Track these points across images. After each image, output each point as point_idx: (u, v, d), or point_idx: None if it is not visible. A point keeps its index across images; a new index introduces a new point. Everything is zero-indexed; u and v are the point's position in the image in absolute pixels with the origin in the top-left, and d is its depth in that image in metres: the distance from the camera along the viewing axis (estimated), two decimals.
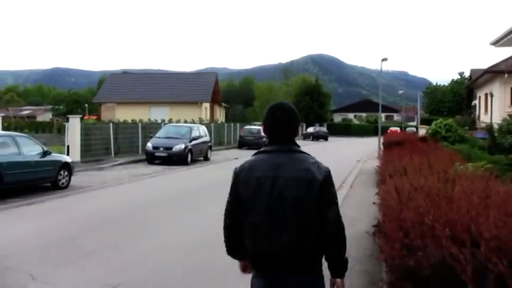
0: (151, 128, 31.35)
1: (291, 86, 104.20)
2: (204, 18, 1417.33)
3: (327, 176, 3.01)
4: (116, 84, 60.05)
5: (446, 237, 2.56)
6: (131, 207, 12.65)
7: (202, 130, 29.77)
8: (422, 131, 36.26)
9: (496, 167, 7.27)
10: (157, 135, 27.25)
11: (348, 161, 26.95)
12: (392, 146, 10.18)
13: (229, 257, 3.38)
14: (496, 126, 18.48)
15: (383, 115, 38.59)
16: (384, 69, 38.28)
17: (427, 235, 2.69)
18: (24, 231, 9.81)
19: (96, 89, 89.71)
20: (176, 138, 26.23)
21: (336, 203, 3.05)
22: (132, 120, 34.17)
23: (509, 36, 19.59)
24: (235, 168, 3.20)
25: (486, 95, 34.60)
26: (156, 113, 47.79)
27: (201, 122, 42.35)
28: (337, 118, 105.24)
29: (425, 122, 57.12)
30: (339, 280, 3.05)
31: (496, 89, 30.64)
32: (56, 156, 16.18)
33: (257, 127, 45.95)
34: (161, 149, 25.34)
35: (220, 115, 68.61)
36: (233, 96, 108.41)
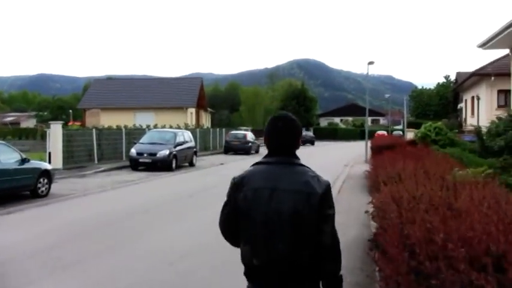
0: (135, 134, 30.88)
1: (277, 91, 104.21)
2: (189, 23, 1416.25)
3: (327, 190, 2.95)
4: (101, 90, 59.44)
5: (463, 260, 2.20)
6: (113, 216, 12.19)
7: (187, 135, 29.37)
8: (410, 135, 36.13)
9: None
10: (141, 141, 26.81)
11: (334, 166, 26.61)
12: (382, 150, 9.84)
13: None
14: (484, 129, 18.24)
15: (369, 119, 38.40)
16: (369, 73, 38.10)
17: (439, 256, 2.33)
18: (0, 241, 9.38)
19: (81, 95, 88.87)
20: (160, 143, 25.80)
21: (333, 218, 2.97)
22: (117, 126, 33.65)
23: (496, 39, 19.38)
24: (234, 178, 3.12)
25: (473, 97, 34.52)
26: (141, 119, 47.32)
27: (186, 127, 41.93)
28: (324, 122, 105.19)
29: (411, 125, 57.03)
30: None
31: (483, 91, 30.55)
32: (34, 163, 15.68)
33: (243, 132, 45.68)
34: (145, 155, 24.91)
35: (206, 120, 68.22)
36: (219, 101, 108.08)
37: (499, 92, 29.58)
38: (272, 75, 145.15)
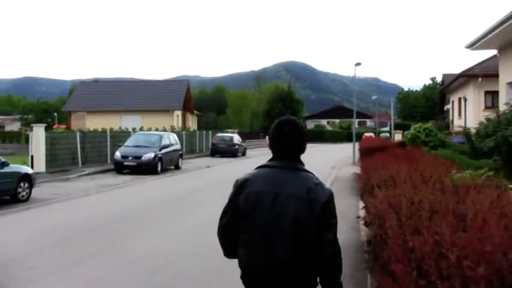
0: (120, 137, 30.35)
1: (264, 93, 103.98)
2: (176, 26, 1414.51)
3: (330, 198, 2.95)
4: (86, 93, 58.82)
5: (482, 279, 1.90)
6: (95, 221, 11.78)
7: (173, 138, 28.99)
8: (398, 136, 35.97)
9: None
10: (126, 143, 26.40)
11: (322, 168, 26.28)
12: (371, 152, 9.55)
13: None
14: (473, 131, 18.07)
15: (356, 121, 38.34)
16: (356, 75, 37.96)
17: (452, 275, 2.00)
18: None
19: (67, 98, 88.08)
20: (146, 146, 25.44)
21: (335, 226, 2.96)
22: (102, 128, 33.15)
23: (484, 39, 19.26)
24: (237, 180, 3.10)
25: (460, 99, 34.45)
26: (127, 122, 46.81)
27: (172, 130, 41.54)
28: (310, 125, 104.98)
29: (398, 127, 57.01)
30: None
31: (470, 93, 30.47)
32: (14, 167, 15.24)
33: (229, 134, 45.39)
34: (130, 158, 24.53)
35: (192, 123, 67.82)
36: (206, 104, 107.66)
37: (486, 93, 29.50)
38: (259, 77, 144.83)
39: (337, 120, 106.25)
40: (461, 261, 1.94)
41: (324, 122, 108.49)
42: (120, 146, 26.18)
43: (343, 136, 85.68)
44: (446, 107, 49.48)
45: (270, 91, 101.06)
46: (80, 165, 26.41)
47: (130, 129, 34.88)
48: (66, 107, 59.36)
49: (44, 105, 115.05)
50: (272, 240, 2.86)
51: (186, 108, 60.07)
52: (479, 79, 28.74)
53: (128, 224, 11.73)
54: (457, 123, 34.53)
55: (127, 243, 9.52)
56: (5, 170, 14.43)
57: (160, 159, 25.13)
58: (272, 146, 3.11)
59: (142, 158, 24.37)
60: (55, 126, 64.83)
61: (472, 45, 20.64)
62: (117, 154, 25.05)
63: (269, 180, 2.96)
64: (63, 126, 58.73)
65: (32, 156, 22.87)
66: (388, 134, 62.20)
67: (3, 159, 14.71)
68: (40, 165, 22.93)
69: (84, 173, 23.80)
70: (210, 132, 50.90)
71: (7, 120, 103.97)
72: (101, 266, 7.91)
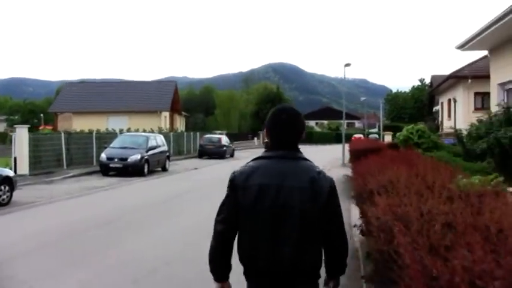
0: (106, 138, 29.86)
1: (252, 95, 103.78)
2: (163, 27, 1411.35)
3: (332, 187, 2.89)
4: (73, 94, 58.16)
5: None
6: (78, 226, 11.32)
7: (160, 139, 28.56)
8: (387, 138, 35.69)
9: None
10: (112, 145, 25.92)
11: None
12: (363, 154, 9.21)
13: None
14: (464, 132, 17.83)
15: (343, 122, 38.09)
16: (345, 76, 37.74)
17: None
18: None
19: (54, 98, 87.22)
20: (132, 148, 24.96)
21: (341, 214, 2.94)
22: (89, 130, 32.60)
23: (475, 40, 19.05)
24: (233, 172, 3.00)
25: (449, 100, 34.26)
26: (115, 123, 46.27)
27: (160, 131, 41.11)
28: None
29: (387, 128, 56.85)
30: (333, 280, 3.07)
31: (460, 94, 30.28)
32: None
33: (217, 136, 45.03)
34: (116, 159, 24.07)
35: (180, 124, 67.34)
36: (194, 105, 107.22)
37: (476, 94, 29.32)
38: (247, 79, 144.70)
39: (325, 122, 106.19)
40: None
41: (312, 123, 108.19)
42: (106, 148, 25.68)
43: (331, 137, 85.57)
44: (435, 109, 49.31)
45: (258, 92, 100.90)
46: (65, 167, 25.90)
47: (117, 131, 34.38)
48: (53, 108, 58.74)
49: (31, 106, 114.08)
50: (277, 233, 2.79)
51: (174, 110, 59.63)
52: (469, 80, 28.57)
53: (112, 228, 11.31)
54: (447, 124, 34.34)
55: (111, 249, 9.10)
56: None
57: (146, 161, 24.70)
58: (269, 136, 3.01)
59: (129, 160, 23.94)
60: (41, 128, 64.21)
61: (463, 46, 20.43)
62: (103, 156, 24.57)
63: (270, 171, 2.86)
64: (50, 127, 58.08)
65: (15, 158, 22.33)
66: (376, 136, 62.01)
67: None
68: (23, 167, 22.42)
69: (69, 175, 23.29)
70: (197, 133, 50.50)
71: None
72: (83, 274, 7.49)
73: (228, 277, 3.07)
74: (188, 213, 13.47)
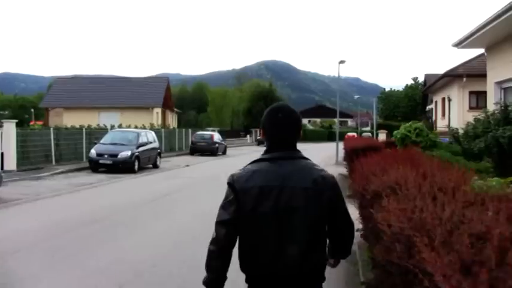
0: (97, 134, 29.37)
1: (245, 92, 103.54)
2: (157, 24, 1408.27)
3: (335, 184, 2.84)
4: (64, 89, 57.48)
5: None
6: (63, 225, 10.86)
7: (151, 136, 28.14)
8: (382, 136, 35.36)
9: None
10: (102, 141, 25.44)
11: None
12: (360, 152, 8.82)
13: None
14: (460, 131, 17.54)
15: (337, 120, 37.78)
16: (336, 75, 37.45)
17: None
18: None
19: (45, 94, 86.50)
20: (122, 144, 24.55)
21: (347, 210, 2.90)
22: (80, 125, 32.08)
23: (472, 38, 18.75)
24: (232, 175, 2.85)
25: (443, 99, 34.02)
26: (106, 119, 45.94)
27: (152, 127, 40.71)
28: None
29: (380, 127, 56.58)
30: (335, 260, 3.08)
31: (455, 93, 30.03)
32: None
33: (209, 133, 44.72)
34: (106, 156, 23.60)
35: (172, 120, 66.89)
36: (186, 102, 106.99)
37: (471, 93, 29.12)
38: (240, 76, 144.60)
39: (318, 120, 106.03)
40: None
41: (305, 121, 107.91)
42: (95, 144, 25.21)
43: (324, 135, 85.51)
44: (428, 107, 49.09)
45: (251, 90, 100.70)
46: (54, 163, 25.44)
47: (108, 126, 33.90)
48: (44, 104, 58.22)
49: (21, 101, 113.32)
50: (280, 237, 2.70)
51: (166, 106, 59.21)
52: (464, 79, 28.35)
53: (98, 227, 10.84)
54: (441, 123, 34.13)
55: (95, 251, 8.64)
56: None
57: (137, 157, 24.28)
58: (266, 136, 2.90)
59: (119, 156, 23.50)
60: (32, 123, 63.58)
61: (460, 44, 20.12)
62: (93, 152, 24.13)
63: (270, 173, 2.76)
64: (40, 123, 57.44)
65: (2, 154, 21.84)
66: (370, 134, 61.79)
67: None
68: (11, 163, 21.96)
69: (58, 171, 22.80)
70: (189, 130, 50.14)
71: None
72: (63, 278, 7.08)
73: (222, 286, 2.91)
74: (178, 212, 13.08)
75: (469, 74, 28.05)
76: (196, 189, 18.10)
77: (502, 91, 18.91)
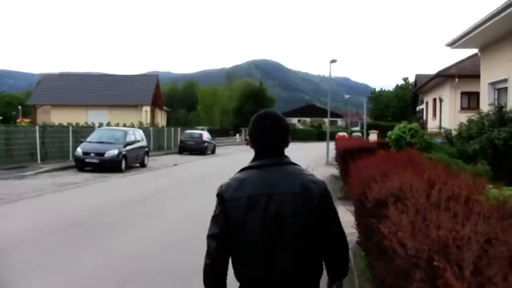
0: (84, 132, 28.76)
1: (235, 91, 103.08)
2: (147, 22, 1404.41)
3: (325, 190, 2.77)
4: (52, 86, 56.89)
5: None
6: (44, 227, 10.38)
7: (139, 134, 27.68)
8: (373, 136, 35.05)
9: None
10: (88, 139, 24.89)
11: None
12: (354, 154, 8.41)
13: None
14: (453, 132, 17.26)
15: (327, 120, 37.35)
16: (326, 75, 37.15)
17: None
18: None
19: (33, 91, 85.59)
20: (109, 143, 24.08)
21: (338, 218, 2.81)
22: (68, 123, 31.48)
23: (466, 38, 18.49)
24: (221, 186, 2.79)
25: (434, 99, 33.82)
26: (94, 116, 45.29)
27: (140, 125, 40.22)
28: None
29: (370, 127, 56.33)
30: (338, 282, 2.94)
31: (446, 93, 29.83)
32: None
33: (198, 131, 44.33)
34: (92, 154, 23.10)
35: (161, 119, 66.37)
36: (176, 100, 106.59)
37: (463, 93, 28.94)
38: (230, 75, 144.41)
39: (308, 119, 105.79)
40: None
41: (294, 120, 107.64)
42: (82, 142, 24.70)
43: (314, 135, 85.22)
44: (419, 108, 48.93)
45: (241, 88, 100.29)
46: (39, 161, 24.90)
47: (96, 124, 33.35)
48: (31, 101, 57.52)
49: (9, 98, 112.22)
50: (271, 246, 2.62)
51: (155, 104, 58.74)
52: (456, 79, 28.15)
53: (81, 230, 10.39)
54: (432, 124, 33.94)
55: (74, 257, 8.15)
56: None
57: (124, 156, 23.81)
58: (254, 144, 2.84)
59: (106, 155, 23.02)
60: (19, 120, 62.83)
61: (453, 44, 19.87)
62: (79, 150, 23.60)
63: (258, 181, 2.70)
64: (28, 120, 56.73)
65: None
66: (360, 134, 61.55)
67: None
68: None
69: (43, 170, 22.25)
70: (178, 128, 49.64)
71: None
72: (46, 283, 6.67)
73: None
74: (164, 215, 12.64)
75: (461, 75, 27.92)
76: (184, 190, 17.73)
77: (496, 92, 18.67)
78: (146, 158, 27.54)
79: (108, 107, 51.54)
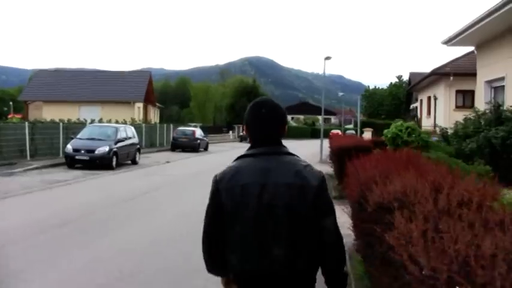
0: (75, 128, 28.35)
1: (228, 88, 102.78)
2: (140, 18, 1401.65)
3: (322, 181, 2.66)
4: (44, 82, 56.29)
5: None
6: (31, 227, 10.02)
7: (130, 131, 27.32)
8: (367, 134, 34.83)
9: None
10: (79, 136, 24.46)
11: None
12: (352, 152, 8.13)
13: None
14: (450, 131, 17.07)
15: (321, 118, 37.17)
16: (320, 72, 37.00)
17: None
18: None
19: (25, 87, 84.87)
20: (100, 139, 23.69)
21: (334, 212, 2.69)
22: (59, 119, 31.05)
23: (462, 35, 18.37)
24: (215, 175, 2.75)
25: (429, 97, 33.64)
26: (87, 113, 45.00)
27: (133, 122, 39.86)
28: None
29: (364, 125, 56.18)
30: None
31: (441, 91, 29.64)
32: None
33: (191, 128, 44.09)
34: (82, 151, 22.73)
35: (154, 115, 65.91)
36: (169, 97, 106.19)
37: (457, 92, 28.79)
38: (223, 72, 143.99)
39: (301, 117, 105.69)
40: None
41: (288, 117, 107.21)
42: (72, 139, 24.34)
43: (307, 132, 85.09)
44: (412, 106, 48.78)
45: (234, 85, 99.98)
46: (28, 158, 24.50)
47: (88, 121, 32.95)
48: (23, 97, 56.88)
49: (0, 94, 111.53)
50: (265, 235, 2.57)
51: (148, 101, 58.32)
52: (451, 78, 27.98)
53: (71, 228, 10.08)
54: (426, 122, 33.77)
55: (66, 254, 7.90)
56: None
57: (115, 153, 23.46)
58: (250, 132, 2.79)
59: (96, 152, 22.65)
60: (10, 116, 62.33)
61: (449, 41, 19.71)
62: (69, 147, 23.22)
63: (253, 170, 2.65)
64: (19, 116, 56.21)
65: None
66: (353, 132, 61.40)
67: None
68: None
69: (32, 166, 21.88)
70: (171, 125, 49.31)
71: None
72: (34, 284, 6.37)
73: (227, 274, 2.79)
74: (157, 212, 12.36)
75: (456, 73, 27.79)
76: (176, 187, 17.45)
77: (492, 90, 18.49)
78: (138, 155, 27.18)
79: (100, 103, 51.12)
